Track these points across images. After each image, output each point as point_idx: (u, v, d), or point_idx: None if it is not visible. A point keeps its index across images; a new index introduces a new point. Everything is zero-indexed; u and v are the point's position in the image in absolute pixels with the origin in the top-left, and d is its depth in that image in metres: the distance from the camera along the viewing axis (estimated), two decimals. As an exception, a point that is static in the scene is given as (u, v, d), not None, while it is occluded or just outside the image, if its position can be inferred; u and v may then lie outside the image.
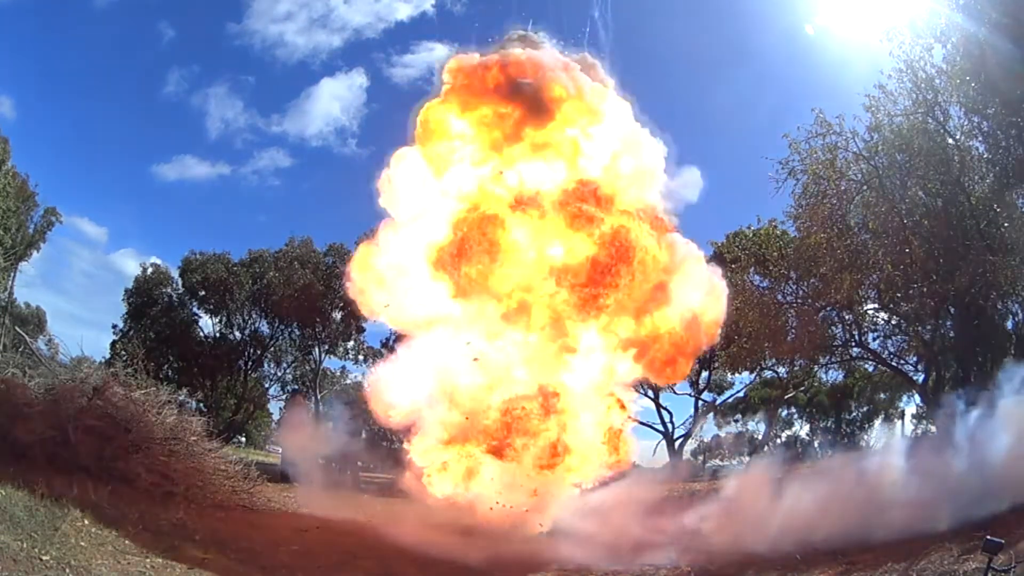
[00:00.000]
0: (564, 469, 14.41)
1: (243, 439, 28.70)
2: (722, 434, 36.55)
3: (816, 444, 33.57)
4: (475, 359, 14.36)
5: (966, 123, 16.33)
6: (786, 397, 31.13)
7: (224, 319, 28.37)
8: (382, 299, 15.58)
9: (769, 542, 10.36)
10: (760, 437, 34.52)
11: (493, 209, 14.56)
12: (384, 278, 15.38)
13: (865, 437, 31.59)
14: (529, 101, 14.68)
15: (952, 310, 17.48)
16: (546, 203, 14.57)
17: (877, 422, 31.66)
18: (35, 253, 25.36)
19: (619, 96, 15.94)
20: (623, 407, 15.35)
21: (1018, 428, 10.44)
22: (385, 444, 23.28)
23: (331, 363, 30.81)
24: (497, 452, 14.04)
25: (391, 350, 17.42)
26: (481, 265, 14.20)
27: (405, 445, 15.81)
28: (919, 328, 18.49)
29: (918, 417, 25.30)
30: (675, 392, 29.87)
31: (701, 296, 15.20)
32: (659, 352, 14.74)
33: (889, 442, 13.31)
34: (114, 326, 28.49)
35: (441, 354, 14.85)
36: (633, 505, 13.99)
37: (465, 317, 14.82)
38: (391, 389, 15.35)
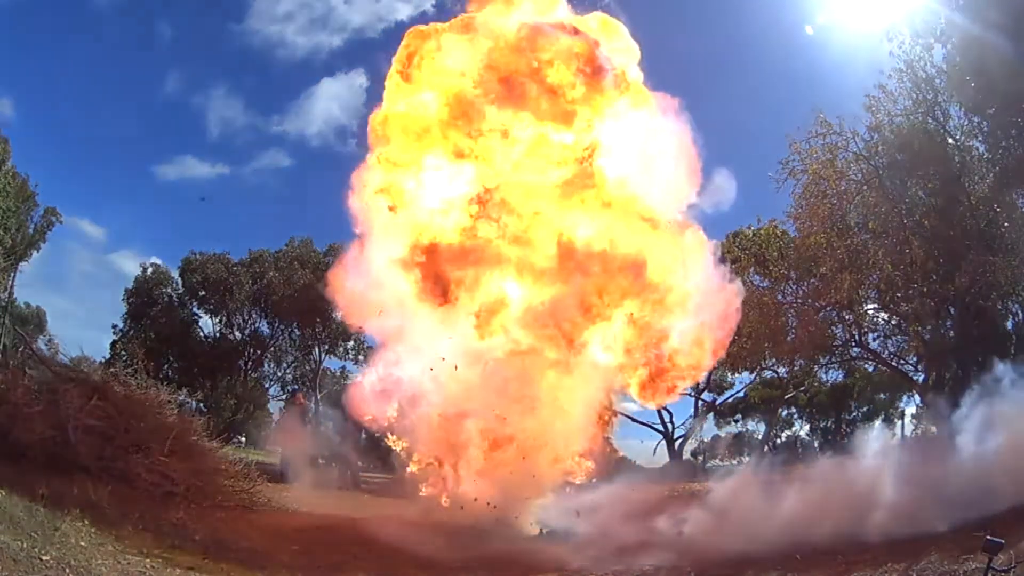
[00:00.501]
0: (549, 473, 14.22)
1: (243, 439, 28.71)
2: (722, 434, 36.55)
3: (816, 444, 33.57)
4: (455, 367, 13.88)
5: (966, 123, 16.37)
6: (786, 397, 31.13)
7: (224, 319, 28.42)
8: (359, 319, 15.70)
9: (754, 544, 10.37)
10: (760, 437, 34.56)
11: (464, 222, 13.98)
12: (360, 298, 15.17)
13: (863, 437, 31.49)
14: (521, 97, 13.57)
15: (952, 310, 17.49)
16: (532, 215, 13.77)
17: (877, 422, 31.63)
18: (35, 253, 25.39)
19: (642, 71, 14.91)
20: (612, 414, 15.23)
21: (1015, 427, 10.45)
22: (383, 445, 23.27)
23: (331, 363, 30.87)
24: (481, 460, 13.81)
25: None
26: (458, 280, 13.83)
27: (395, 447, 15.81)
28: (919, 328, 18.49)
29: (918, 417, 25.31)
30: (675, 392, 29.84)
31: (711, 313, 14.44)
32: (653, 375, 14.33)
33: (876, 443, 13.33)
34: (114, 326, 28.59)
35: (421, 364, 14.55)
36: (623, 506, 13.90)
37: (443, 330, 14.35)
38: (373, 396, 15.26)
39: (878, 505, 10.45)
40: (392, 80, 14.69)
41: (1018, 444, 10.07)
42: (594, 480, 14.97)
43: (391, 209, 14.51)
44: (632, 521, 13.02)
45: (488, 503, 13.25)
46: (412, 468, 14.85)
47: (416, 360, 14.72)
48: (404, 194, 14.66)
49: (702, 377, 19.69)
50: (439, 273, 13.94)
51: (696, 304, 14.29)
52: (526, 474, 13.70)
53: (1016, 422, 10.58)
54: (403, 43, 14.71)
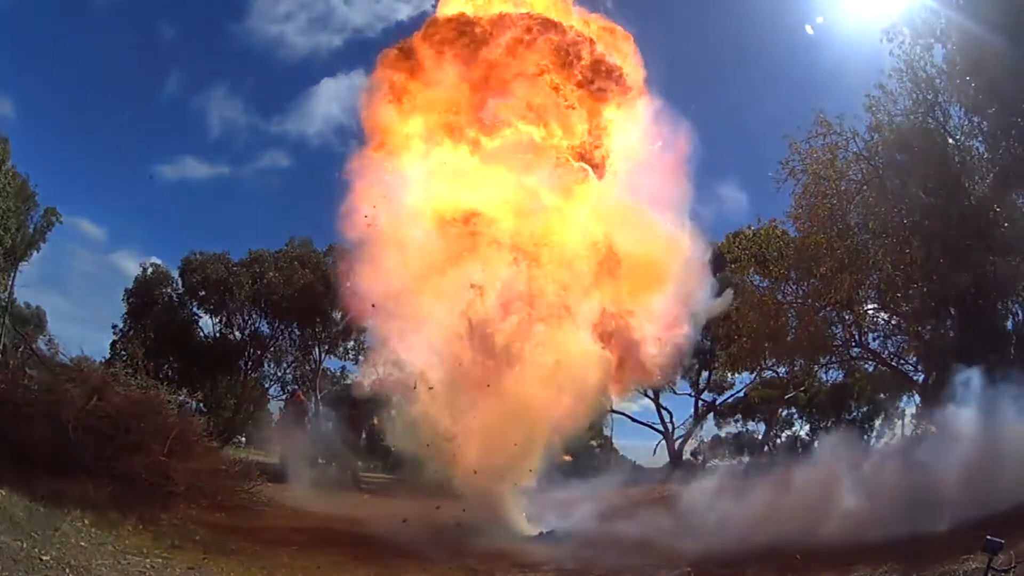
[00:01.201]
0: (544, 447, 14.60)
1: (243, 439, 28.66)
2: (722, 434, 36.51)
3: (816, 445, 33.50)
4: (430, 388, 14.20)
5: (966, 123, 16.34)
6: (786, 397, 31.10)
7: (224, 319, 28.33)
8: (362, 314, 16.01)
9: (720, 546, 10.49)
10: (760, 437, 34.54)
11: (457, 214, 14.34)
12: (363, 293, 15.36)
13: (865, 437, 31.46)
14: (515, 100, 14.05)
15: (952, 310, 17.47)
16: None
17: (877, 422, 31.59)
18: (35, 253, 25.32)
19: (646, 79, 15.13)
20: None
21: (1015, 429, 10.46)
22: (383, 445, 23.29)
23: (331, 363, 30.83)
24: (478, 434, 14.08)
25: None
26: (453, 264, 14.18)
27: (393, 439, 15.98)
28: (919, 328, 18.47)
29: (918, 417, 25.26)
30: (675, 392, 30.03)
31: (687, 319, 15.12)
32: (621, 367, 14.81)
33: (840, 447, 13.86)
34: (114, 326, 28.42)
35: (420, 351, 14.84)
36: (601, 505, 14.25)
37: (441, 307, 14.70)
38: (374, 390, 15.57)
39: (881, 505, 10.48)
40: (379, 100, 14.85)
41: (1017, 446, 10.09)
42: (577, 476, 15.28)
43: (369, 226, 14.62)
44: (609, 521, 13.27)
45: (463, 510, 13.37)
46: (412, 451, 14.95)
47: (416, 346, 14.93)
48: (396, 197, 14.81)
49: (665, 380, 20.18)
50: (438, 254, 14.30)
51: (677, 309, 14.78)
52: (521, 450, 13.92)
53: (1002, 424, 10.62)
54: (386, 60, 14.83)
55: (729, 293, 19.18)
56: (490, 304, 14.25)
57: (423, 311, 14.78)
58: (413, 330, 14.96)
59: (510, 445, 13.71)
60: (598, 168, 14.54)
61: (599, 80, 14.22)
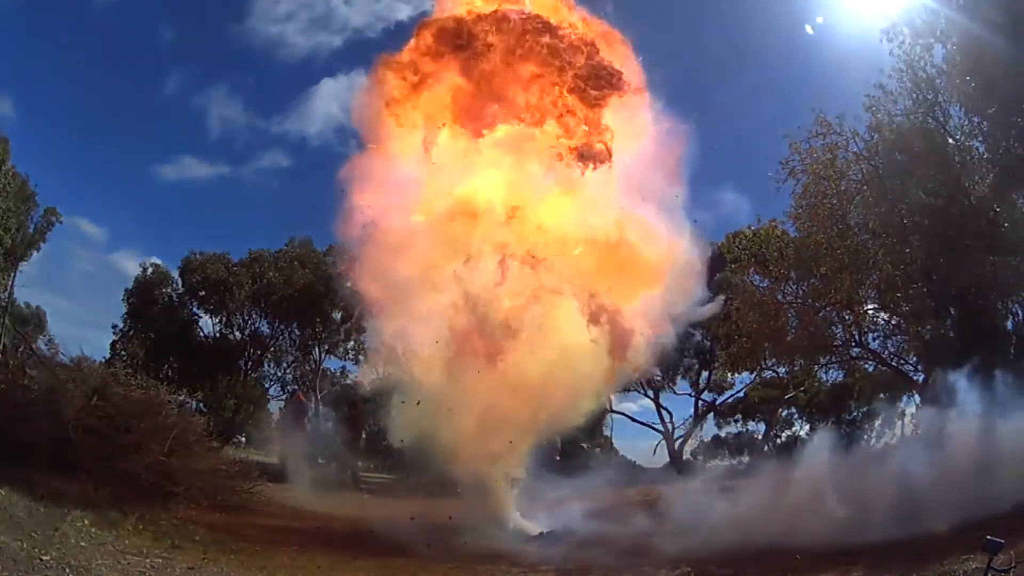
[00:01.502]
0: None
1: (243, 439, 28.68)
2: (722, 434, 36.49)
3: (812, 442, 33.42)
4: (417, 402, 14.17)
5: (966, 123, 16.30)
6: (786, 397, 31.12)
7: (224, 319, 28.37)
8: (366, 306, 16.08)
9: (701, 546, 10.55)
10: (760, 437, 34.54)
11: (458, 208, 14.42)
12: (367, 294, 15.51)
13: (865, 437, 31.47)
14: (513, 101, 14.16)
15: (952, 310, 17.46)
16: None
17: (877, 422, 31.57)
18: (35, 253, 25.29)
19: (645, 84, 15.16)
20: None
21: (1015, 428, 10.47)
22: (383, 445, 23.32)
23: (331, 363, 30.86)
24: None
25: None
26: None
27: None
28: (919, 328, 18.46)
29: (918, 417, 25.22)
30: (675, 392, 30.08)
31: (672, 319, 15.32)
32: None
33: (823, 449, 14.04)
34: (114, 326, 28.43)
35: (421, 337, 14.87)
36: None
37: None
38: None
39: (877, 506, 10.49)
40: (376, 104, 14.90)
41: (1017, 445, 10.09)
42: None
43: (367, 225, 14.67)
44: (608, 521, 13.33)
45: (450, 517, 13.37)
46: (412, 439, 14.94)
47: (415, 335, 14.95)
48: (394, 196, 14.91)
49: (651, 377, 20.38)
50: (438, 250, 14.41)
51: (666, 309, 14.92)
52: (518, 434, 13.97)
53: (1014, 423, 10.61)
54: (382, 64, 14.87)
55: (720, 299, 19.31)
56: (487, 277, 14.29)
57: (423, 306, 14.78)
58: (413, 325, 15.00)
59: (507, 426, 13.77)
60: (596, 167, 14.57)
61: (597, 83, 14.30)
